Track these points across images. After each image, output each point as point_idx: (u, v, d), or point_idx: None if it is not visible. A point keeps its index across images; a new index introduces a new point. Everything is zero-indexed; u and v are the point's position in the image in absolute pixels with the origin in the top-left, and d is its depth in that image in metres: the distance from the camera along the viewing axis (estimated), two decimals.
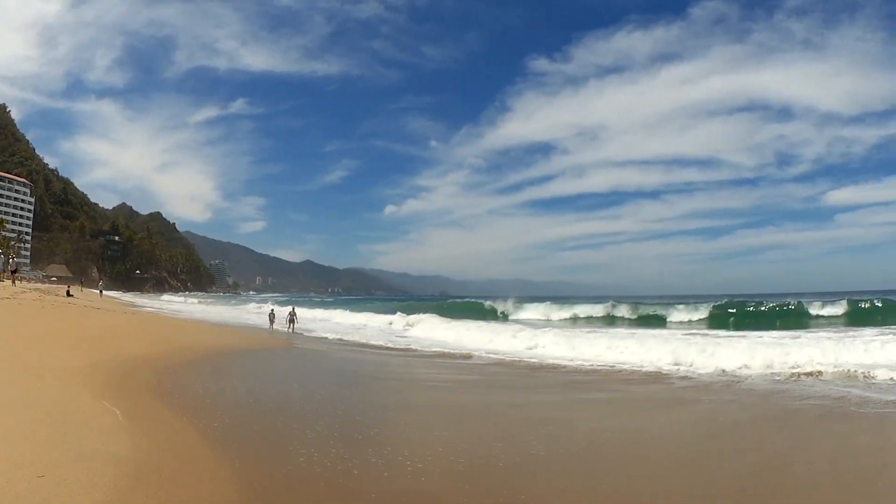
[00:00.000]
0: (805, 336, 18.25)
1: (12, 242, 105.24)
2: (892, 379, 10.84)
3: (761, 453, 6.37)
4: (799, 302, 36.31)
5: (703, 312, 34.19)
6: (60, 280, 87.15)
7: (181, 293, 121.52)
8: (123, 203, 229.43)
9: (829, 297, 48.79)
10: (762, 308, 36.39)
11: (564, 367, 13.73)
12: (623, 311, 36.98)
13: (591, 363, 14.32)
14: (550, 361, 14.64)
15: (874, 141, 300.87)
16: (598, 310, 38.22)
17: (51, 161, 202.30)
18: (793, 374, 11.85)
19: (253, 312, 43.98)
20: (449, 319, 29.25)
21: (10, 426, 5.17)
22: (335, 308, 46.96)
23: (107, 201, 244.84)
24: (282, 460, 5.42)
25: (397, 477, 5.13)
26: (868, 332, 18.35)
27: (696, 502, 4.91)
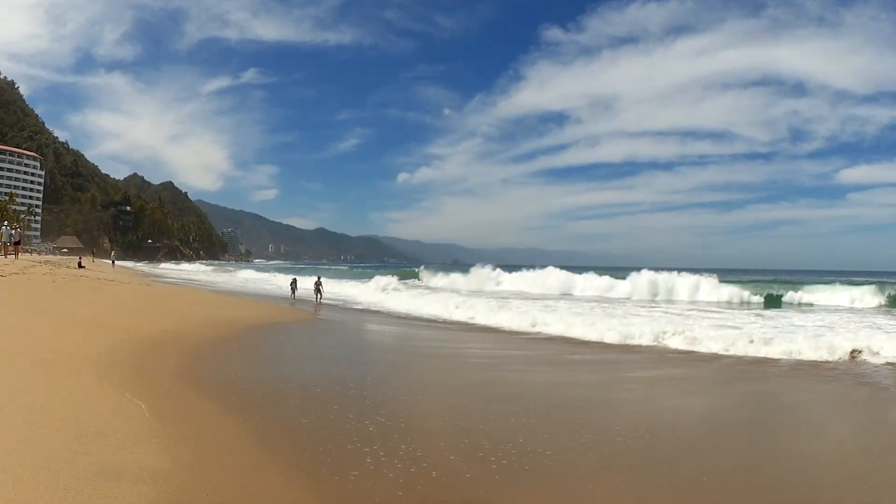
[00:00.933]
0: None
1: (22, 216, 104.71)
2: None
3: None
4: None
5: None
6: (72, 251, 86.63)
7: (193, 262, 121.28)
8: (135, 173, 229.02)
9: (848, 276, 44.91)
10: None
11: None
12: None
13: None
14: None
15: (887, 121, 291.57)
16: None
17: (61, 135, 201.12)
18: None
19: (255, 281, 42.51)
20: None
21: (12, 428, 3.83)
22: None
23: (118, 172, 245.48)
24: (347, 464, 4.31)
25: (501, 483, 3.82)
26: None
27: None
